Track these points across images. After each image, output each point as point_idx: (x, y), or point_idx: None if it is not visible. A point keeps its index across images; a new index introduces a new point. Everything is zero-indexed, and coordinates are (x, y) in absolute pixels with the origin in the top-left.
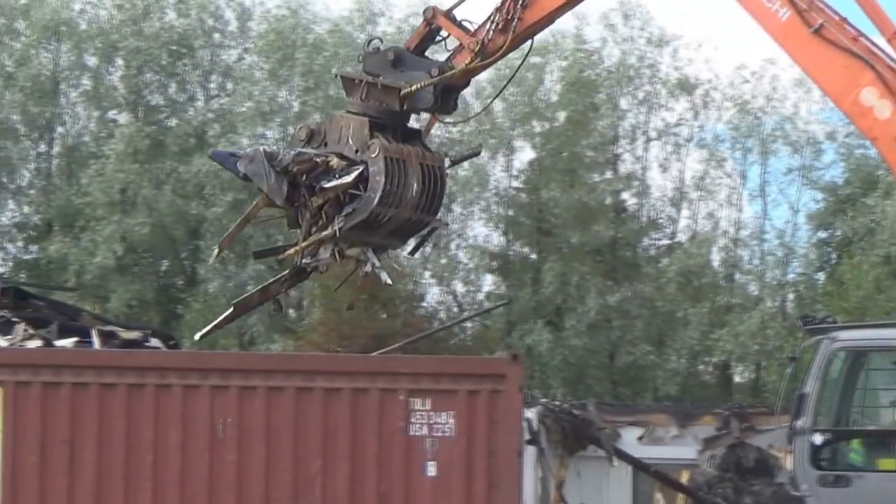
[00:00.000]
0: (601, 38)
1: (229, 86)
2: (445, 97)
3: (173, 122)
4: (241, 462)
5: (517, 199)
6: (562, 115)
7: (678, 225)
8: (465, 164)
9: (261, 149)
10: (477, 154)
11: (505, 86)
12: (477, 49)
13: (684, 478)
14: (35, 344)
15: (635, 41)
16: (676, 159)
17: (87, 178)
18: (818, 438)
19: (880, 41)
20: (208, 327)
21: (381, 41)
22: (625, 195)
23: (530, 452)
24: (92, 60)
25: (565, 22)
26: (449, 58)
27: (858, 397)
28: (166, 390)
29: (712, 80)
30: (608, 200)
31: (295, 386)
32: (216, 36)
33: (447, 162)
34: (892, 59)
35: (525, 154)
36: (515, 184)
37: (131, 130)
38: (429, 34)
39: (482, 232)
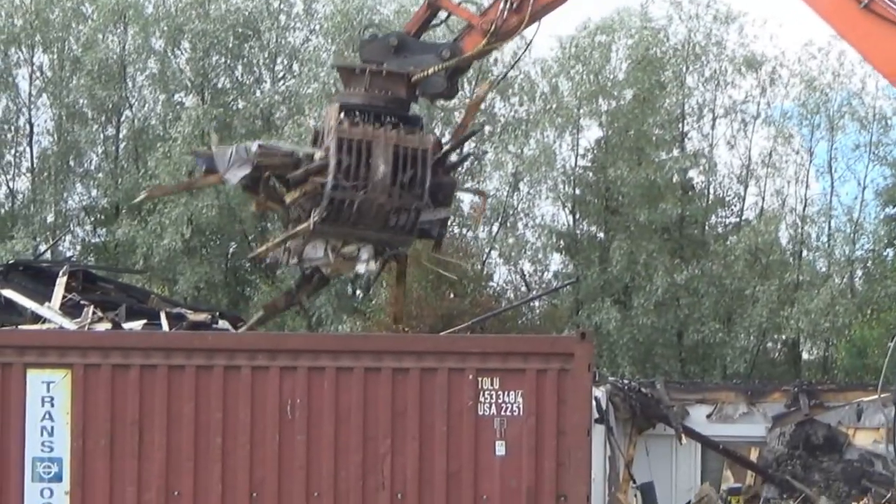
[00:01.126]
0: (667, 15)
1: (295, 67)
2: (451, 80)
3: (240, 104)
4: (311, 443)
5: (584, 177)
6: (628, 94)
7: (745, 202)
8: (532, 143)
9: (243, 144)
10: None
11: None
12: (491, 30)
13: (753, 455)
14: (104, 326)
15: (701, 18)
16: (743, 136)
17: (154, 161)
18: None
19: None
20: (244, 327)
21: (378, 29)
22: (692, 173)
23: (599, 431)
24: (158, 44)
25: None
26: (457, 39)
27: None
28: (235, 371)
29: (779, 57)
30: (675, 178)
31: (363, 366)
32: (282, 17)
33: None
34: None
35: (592, 133)
36: (582, 162)
37: (198, 113)
38: (428, 17)
39: (549, 211)
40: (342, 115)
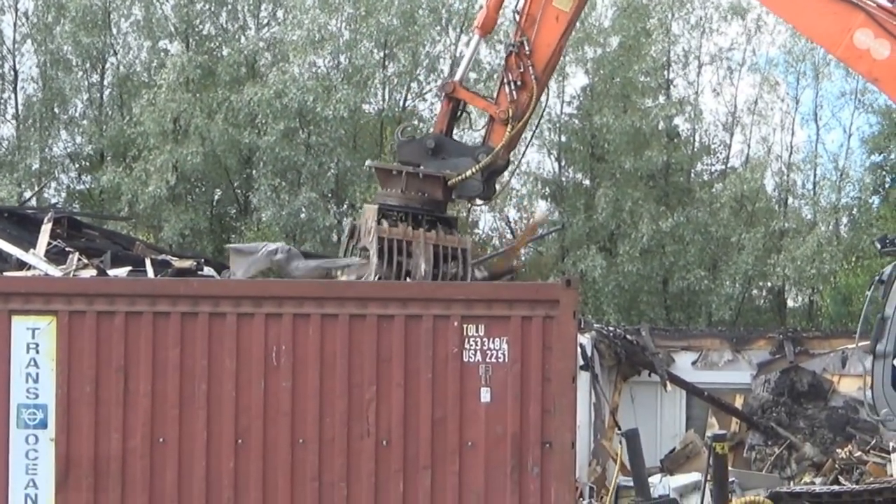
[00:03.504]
0: None
1: (280, 14)
2: (489, 182)
3: (224, 51)
4: (296, 389)
5: (570, 125)
6: (614, 41)
7: (731, 150)
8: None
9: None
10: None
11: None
12: (510, 115)
13: (738, 402)
14: (89, 273)
15: None
16: (729, 84)
17: (140, 108)
18: None
19: None
20: None
21: (415, 128)
22: (678, 121)
23: (584, 378)
24: None
25: None
26: (484, 140)
27: None
28: (220, 318)
29: None
30: (661, 126)
31: (348, 313)
32: None
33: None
34: (880, 3)
35: (578, 80)
36: (568, 110)
37: (183, 60)
38: (453, 111)
39: (535, 158)
40: (381, 216)
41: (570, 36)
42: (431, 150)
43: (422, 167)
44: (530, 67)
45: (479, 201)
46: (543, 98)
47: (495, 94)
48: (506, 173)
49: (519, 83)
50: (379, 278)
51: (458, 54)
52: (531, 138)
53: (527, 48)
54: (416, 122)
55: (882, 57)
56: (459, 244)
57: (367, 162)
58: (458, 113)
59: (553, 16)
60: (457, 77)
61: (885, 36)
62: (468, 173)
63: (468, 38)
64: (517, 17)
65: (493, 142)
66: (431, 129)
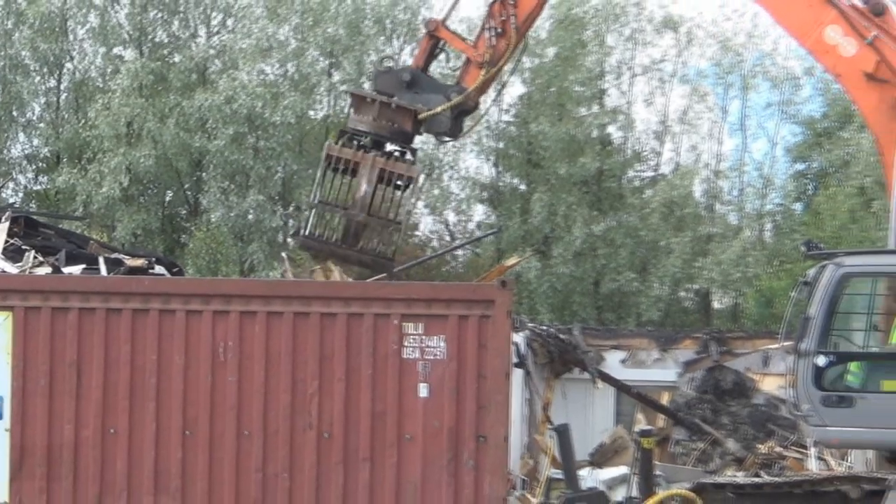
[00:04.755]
0: None
1: (230, 23)
2: (457, 120)
3: (176, 58)
4: (242, 384)
5: (507, 132)
6: (551, 52)
7: (662, 157)
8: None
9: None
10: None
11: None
12: (486, 59)
13: (665, 399)
14: (44, 271)
15: None
16: (661, 94)
17: (94, 112)
18: (822, 360)
19: None
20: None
21: (394, 60)
22: (611, 129)
23: (518, 375)
24: None
25: None
26: (458, 80)
27: (862, 320)
28: (170, 315)
29: (695, 18)
30: (595, 134)
31: (293, 311)
32: None
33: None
34: (852, 3)
35: (515, 89)
36: (506, 117)
37: (136, 66)
38: (432, 48)
39: (473, 164)
40: (347, 138)
41: None
42: (406, 83)
43: (395, 98)
44: (512, 17)
45: (445, 138)
46: (482, 107)
47: (475, 38)
48: (472, 118)
49: (499, 30)
50: (318, 200)
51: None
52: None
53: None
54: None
55: (848, 54)
56: (408, 172)
57: (345, 87)
58: (437, 51)
59: None
60: (442, 19)
61: (854, 35)
62: (439, 109)
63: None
64: None
65: (466, 83)
66: (412, 64)
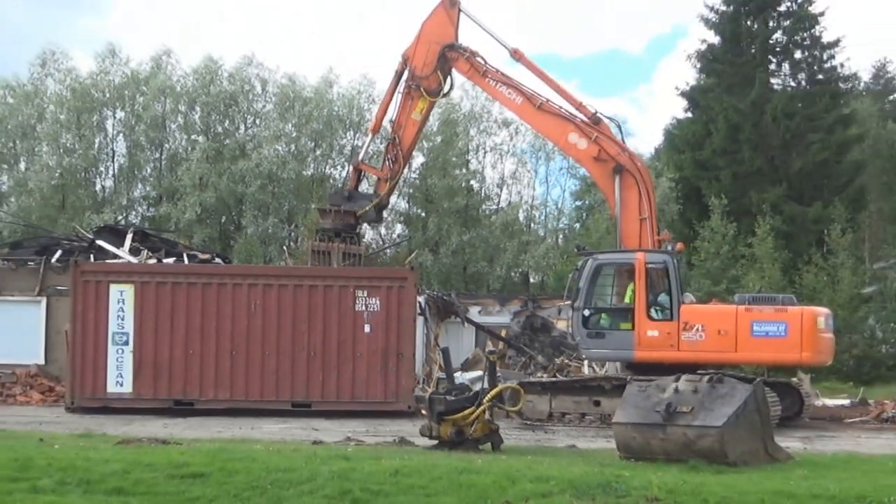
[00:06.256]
0: (459, 95)
1: (258, 121)
2: (379, 212)
3: (227, 140)
4: (264, 325)
5: (414, 183)
6: (439, 138)
7: (501, 197)
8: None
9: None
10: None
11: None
12: (388, 177)
13: (503, 333)
14: (151, 261)
15: (467, 91)
16: (501, 162)
17: (181, 171)
18: (587, 312)
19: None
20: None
21: (340, 186)
22: (473, 182)
23: (420, 320)
24: None
25: None
26: (375, 191)
27: (608, 290)
28: (224, 286)
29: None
30: (463, 185)
31: (293, 284)
32: None
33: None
34: (581, 117)
35: (419, 160)
36: (414, 175)
37: (205, 146)
38: (358, 176)
39: (396, 202)
40: (319, 235)
41: (421, 133)
42: (346, 198)
43: (342, 207)
44: (399, 151)
45: (374, 224)
46: (408, 169)
47: (381, 165)
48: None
49: (394, 160)
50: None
51: (358, 144)
52: (398, 195)
53: (397, 140)
54: (332, 181)
55: (583, 147)
56: (356, 251)
57: (314, 205)
58: (361, 177)
59: (411, 123)
60: (360, 158)
61: (585, 137)
62: (367, 208)
63: (365, 135)
64: (392, 124)
65: (380, 191)
66: (347, 185)
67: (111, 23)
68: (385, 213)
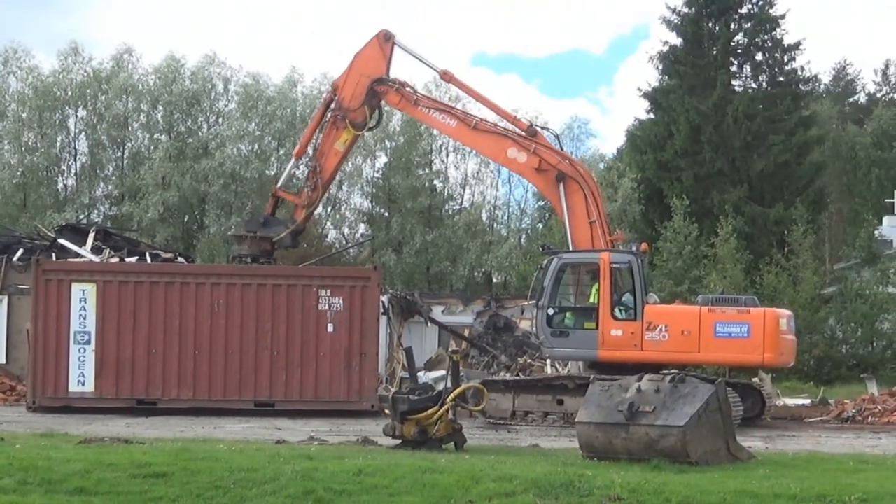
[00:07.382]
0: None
1: (220, 120)
2: (295, 238)
3: (190, 139)
4: (227, 323)
5: (377, 183)
6: (402, 138)
7: (464, 198)
8: (350, 164)
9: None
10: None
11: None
12: (306, 204)
13: (466, 332)
14: (114, 260)
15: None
16: (464, 163)
17: (144, 170)
18: (550, 311)
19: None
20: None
21: (253, 212)
22: (437, 182)
23: (383, 319)
24: None
25: None
26: (292, 216)
27: (572, 289)
28: (187, 285)
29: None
30: (427, 185)
31: (257, 283)
32: None
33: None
34: (517, 131)
35: (382, 159)
36: (378, 175)
37: (168, 145)
38: (275, 202)
39: (359, 201)
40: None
41: (343, 163)
42: (262, 223)
43: (258, 233)
44: (319, 179)
45: (290, 249)
46: (371, 169)
47: (299, 192)
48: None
49: (313, 187)
50: None
51: (281, 170)
52: (361, 194)
53: (318, 169)
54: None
55: (523, 160)
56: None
57: (230, 232)
58: (279, 203)
59: (334, 152)
60: (279, 184)
61: (524, 150)
62: (283, 234)
63: (288, 160)
64: (314, 151)
65: (297, 217)
66: (265, 212)
67: (74, 22)
68: (299, 238)
